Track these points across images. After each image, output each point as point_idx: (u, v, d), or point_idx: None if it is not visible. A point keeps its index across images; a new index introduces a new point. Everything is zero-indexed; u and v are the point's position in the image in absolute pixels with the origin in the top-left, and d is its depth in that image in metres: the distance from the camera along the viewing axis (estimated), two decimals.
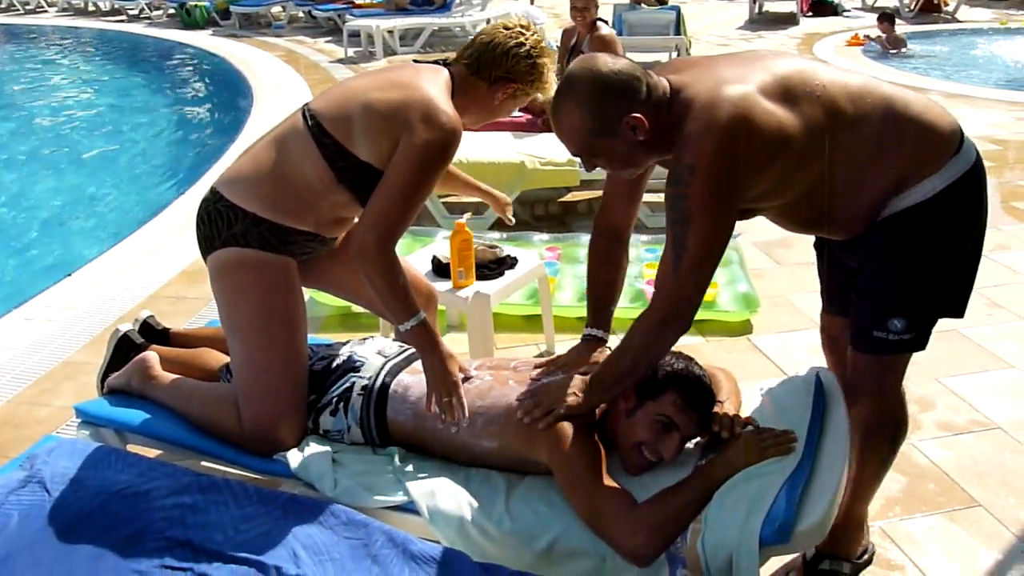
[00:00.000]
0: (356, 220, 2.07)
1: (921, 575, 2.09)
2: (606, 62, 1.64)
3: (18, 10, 17.36)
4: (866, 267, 1.78)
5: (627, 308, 3.43)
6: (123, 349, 2.31)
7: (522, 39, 1.98)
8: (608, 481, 1.68)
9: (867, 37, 10.52)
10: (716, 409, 1.78)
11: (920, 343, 1.77)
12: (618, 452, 1.80)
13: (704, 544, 1.54)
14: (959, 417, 2.75)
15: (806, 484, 1.61)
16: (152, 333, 2.43)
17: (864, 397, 1.84)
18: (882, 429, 1.89)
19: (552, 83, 2.01)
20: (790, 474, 1.63)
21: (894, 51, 10.03)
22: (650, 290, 3.34)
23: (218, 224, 1.99)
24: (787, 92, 1.62)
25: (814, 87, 1.64)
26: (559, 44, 5.20)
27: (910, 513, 2.31)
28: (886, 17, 10.05)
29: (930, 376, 2.96)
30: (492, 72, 1.99)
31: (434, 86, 1.93)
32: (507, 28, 2.02)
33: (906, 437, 1.94)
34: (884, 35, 10.17)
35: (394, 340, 2.21)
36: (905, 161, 1.67)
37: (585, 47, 4.74)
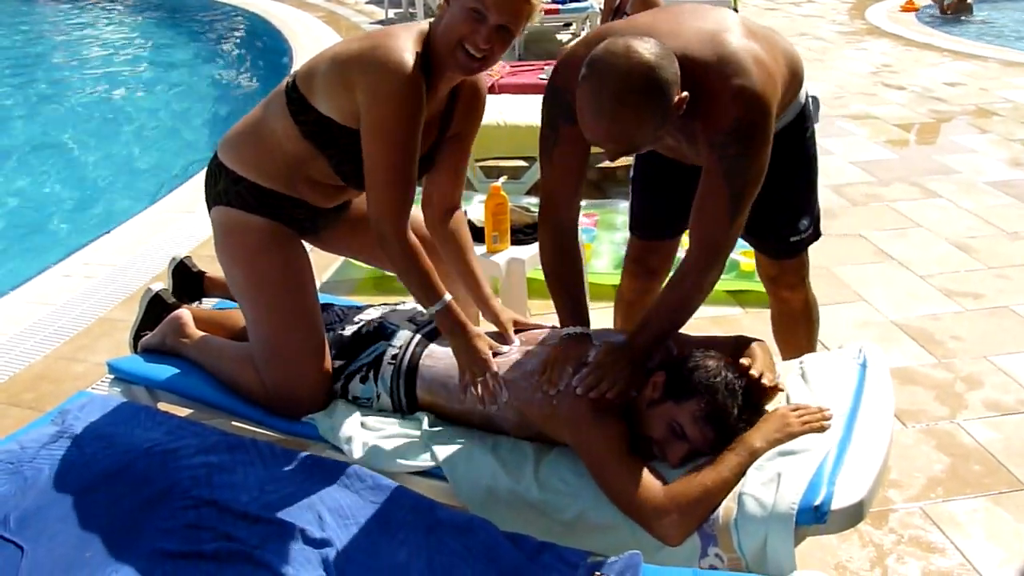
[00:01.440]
0: (338, 184, 1.98)
1: (963, 558, 2.03)
2: (646, 48, 1.51)
3: None
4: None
5: None
6: (155, 308, 2.31)
7: None
8: (633, 460, 1.63)
9: None
10: (751, 382, 1.72)
11: (817, 234, 2.14)
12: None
13: (737, 523, 1.49)
14: (1008, 396, 2.65)
15: (846, 463, 1.56)
16: (187, 275, 2.44)
17: (799, 286, 2.20)
18: (812, 309, 2.25)
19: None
20: (828, 452, 1.57)
21: (964, 18, 9.62)
22: None
23: (209, 182, 2.03)
24: (752, 35, 1.69)
25: (754, 29, 1.74)
26: (603, 5, 5.09)
27: (953, 495, 2.24)
28: None
29: (979, 353, 2.86)
30: None
31: (401, 34, 1.79)
32: None
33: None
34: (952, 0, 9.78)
35: None
36: (791, 91, 1.88)
37: (629, 7, 4.62)
